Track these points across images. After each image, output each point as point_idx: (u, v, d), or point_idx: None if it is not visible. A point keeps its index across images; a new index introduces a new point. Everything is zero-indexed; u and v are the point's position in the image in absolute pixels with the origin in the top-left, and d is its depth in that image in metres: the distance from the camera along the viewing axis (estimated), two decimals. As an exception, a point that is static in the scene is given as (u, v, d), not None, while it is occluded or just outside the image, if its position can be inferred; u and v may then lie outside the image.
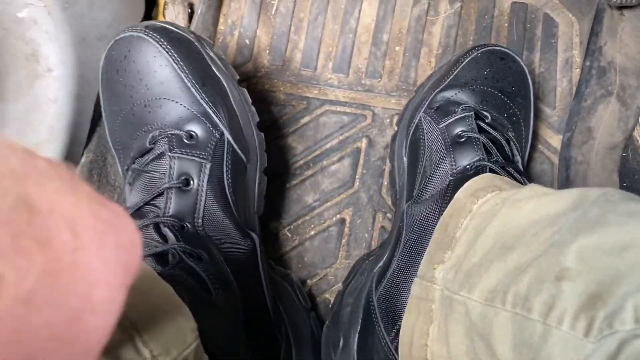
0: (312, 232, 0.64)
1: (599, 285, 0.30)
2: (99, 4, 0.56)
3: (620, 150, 0.63)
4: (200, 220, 0.47)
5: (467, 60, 0.58)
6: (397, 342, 0.48)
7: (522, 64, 0.60)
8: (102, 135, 0.59)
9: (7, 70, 0.53)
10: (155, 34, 0.49)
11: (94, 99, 0.59)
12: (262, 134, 0.58)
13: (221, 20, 0.72)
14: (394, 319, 0.49)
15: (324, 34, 0.72)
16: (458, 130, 0.54)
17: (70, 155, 0.56)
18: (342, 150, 0.67)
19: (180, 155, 0.48)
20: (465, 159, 0.52)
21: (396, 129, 0.63)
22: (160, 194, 0.47)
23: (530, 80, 0.60)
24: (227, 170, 0.50)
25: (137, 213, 0.47)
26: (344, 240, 0.64)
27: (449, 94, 0.57)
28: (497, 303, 0.35)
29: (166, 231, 0.45)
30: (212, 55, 0.53)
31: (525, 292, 0.33)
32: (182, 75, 0.49)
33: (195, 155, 0.48)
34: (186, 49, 0.50)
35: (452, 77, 0.58)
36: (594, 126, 0.63)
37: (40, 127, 0.54)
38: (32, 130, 0.54)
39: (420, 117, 0.57)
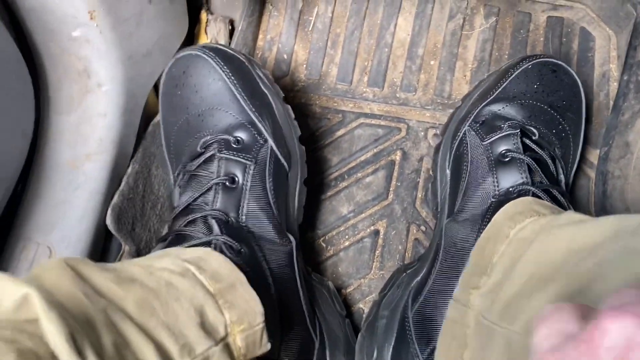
0: (347, 243, 0.66)
1: None
2: (146, 23, 0.59)
3: (659, 165, 0.62)
4: (244, 217, 0.51)
5: (517, 72, 0.57)
6: (426, 356, 0.49)
7: (575, 76, 0.58)
8: (147, 147, 0.62)
9: (61, 85, 0.57)
10: (210, 52, 0.55)
11: (139, 113, 0.62)
12: (304, 147, 0.61)
13: (260, 36, 0.75)
14: (428, 338, 0.49)
15: (359, 49, 0.73)
16: (503, 148, 0.53)
17: (117, 167, 0.58)
18: (376, 162, 0.68)
19: (227, 156, 0.52)
20: (509, 181, 0.51)
21: (431, 142, 0.64)
22: (208, 190, 0.51)
23: (583, 94, 0.59)
24: (269, 174, 0.54)
25: (186, 209, 0.51)
26: (377, 252, 0.65)
27: (496, 108, 0.56)
28: None
29: (212, 223, 0.49)
30: (260, 74, 0.58)
31: None
32: (233, 88, 0.55)
33: (241, 157, 0.53)
34: (237, 66, 0.56)
35: (500, 89, 0.57)
36: (631, 141, 0.63)
37: (90, 139, 0.57)
38: (83, 142, 0.57)
39: (465, 130, 0.56)
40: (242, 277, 0.43)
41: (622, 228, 0.36)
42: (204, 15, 0.73)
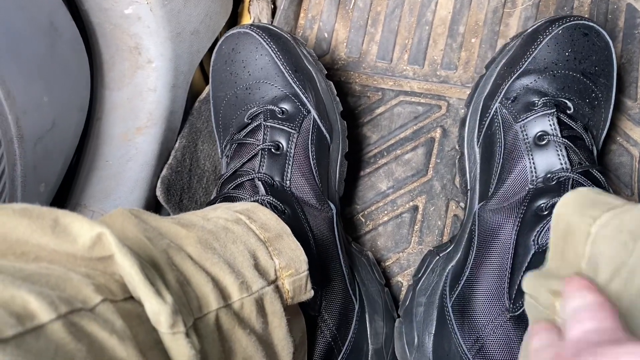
0: (386, 218, 0.67)
1: None
2: (193, 1, 0.61)
3: None
4: (288, 182, 0.54)
5: (547, 39, 0.54)
6: (475, 352, 0.48)
7: (607, 37, 0.55)
8: (194, 123, 0.64)
9: (114, 61, 0.59)
10: (258, 30, 0.58)
11: (187, 89, 0.64)
12: (345, 122, 0.63)
13: (302, 15, 0.76)
14: (470, 329, 0.49)
15: (400, 27, 0.74)
16: (538, 130, 0.51)
17: (166, 141, 0.61)
18: (416, 139, 0.69)
19: (273, 125, 0.55)
20: (546, 165, 0.50)
21: (465, 110, 0.62)
22: (254, 156, 0.54)
23: (614, 56, 0.56)
24: (311, 143, 0.56)
25: (234, 175, 0.54)
26: (416, 227, 0.66)
27: (527, 81, 0.54)
28: None
29: (259, 185, 0.52)
30: (304, 51, 0.60)
31: None
32: (279, 62, 0.57)
33: (286, 125, 0.55)
34: (283, 43, 0.58)
35: (530, 59, 0.54)
36: (678, 119, 0.62)
37: (140, 113, 0.59)
38: (134, 117, 0.59)
39: (497, 108, 0.55)
40: (287, 229, 0.45)
41: None
42: (247, -6, 0.74)
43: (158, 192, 0.58)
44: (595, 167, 0.50)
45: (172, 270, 0.34)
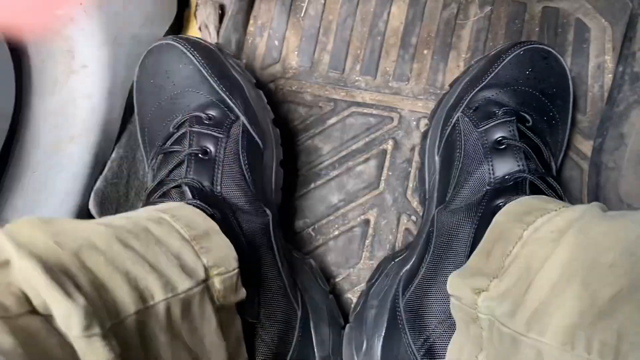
0: (336, 232, 0.65)
1: None
2: (133, 4, 0.58)
3: (652, 157, 0.61)
4: (218, 187, 0.51)
5: (508, 58, 0.56)
6: (424, 352, 0.47)
7: (565, 64, 0.58)
8: (132, 131, 0.60)
9: (45, 66, 0.55)
10: (181, 40, 0.56)
11: (125, 95, 0.60)
12: (278, 129, 0.61)
13: (251, 22, 0.73)
14: (421, 329, 0.48)
15: (352, 37, 0.72)
16: (498, 135, 0.52)
17: (101, 151, 0.57)
18: (368, 151, 0.67)
19: (199, 130, 0.52)
20: (504, 168, 0.50)
21: (428, 124, 0.62)
22: (181, 163, 0.51)
23: (571, 82, 0.59)
24: (242, 148, 0.54)
25: (159, 185, 0.50)
26: (367, 241, 0.64)
27: (489, 94, 0.55)
28: (580, 351, 0.31)
29: (185, 190, 0.49)
30: (231, 62, 0.59)
31: (616, 343, 0.30)
32: (203, 70, 0.55)
33: (213, 130, 0.53)
34: (208, 52, 0.57)
35: (492, 75, 0.56)
36: (626, 132, 0.62)
37: (74, 121, 0.55)
38: (66, 125, 0.55)
39: (458, 117, 0.55)
40: (215, 227, 0.43)
41: None
42: (193, -1, 0.71)
43: (91, 205, 0.54)
44: (551, 175, 0.50)
45: (85, 274, 0.31)
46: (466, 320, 0.42)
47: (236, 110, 0.55)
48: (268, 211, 0.53)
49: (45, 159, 0.54)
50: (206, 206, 0.47)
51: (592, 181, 0.62)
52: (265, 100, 0.61)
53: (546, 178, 0.50)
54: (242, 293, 0.43)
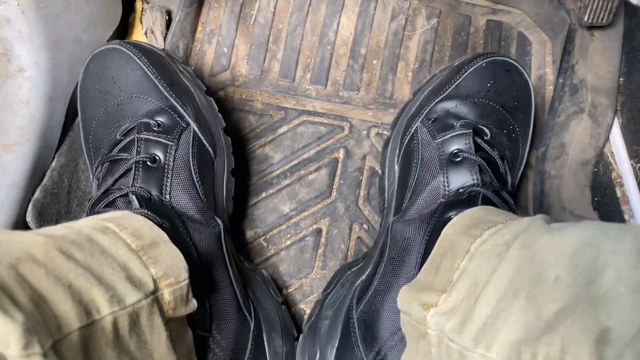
0: (288, 242, 0.64)
1: None
2: (75, 6, 0.55)
3: (592, 166, 0.64)
4: (167, 196, 0.49)
5: (471, 70, 0.56)
6: None
7: (527, 77, 0.58)
8: (74, 139, 0.57)
9: (-23, 69, 0.52)
10: (128, 45, 0.53)
11: (66, 102, 0.57)
12: (229, 137, 0.60)
13: (199, 28, 0.72)
14: (373, 341, 0.48)
15: (302, 46, 0.72)
16: (454, 148, 0.51)
17: (40, 159, 0.54)
18: (319, 160, 0.67)
19: (147, 137, 0.50)
20: (459, 181, 0.50)
21: (374, 141, 0.63)
22: (128, 171, 0.48)
23: (532, 95, 0.58)
24: (193, 156, 0.51)
25: (105, 194, 0.48)
26: (320, 251, 0.64)
27: (449, 105, 0.55)
28: None
29: (132, 199, 0.46)
30: (180, 68, 0.57)
31: (560, 356, 0.30)
32: (152, 76, 0.53)
33: (162, 137, 0.50)
34: (156, 58, 0.54)
35: (453, 86, 0.56)
36: (567, 142, 0.65)
37: (10, 128, 0.52)
38: (3, 132, 0.52)
39: (417, 127, 0.55)
40: (164, 236, 0.42)
41: (601, 236, 0.33)
42: (139, 3, 0.69)
43: (29, 217, 0.51)
44: (506, 189, 0.51)
45: (24, 288, 0.29)
46: (416, 336, 0.41)
47: (186, 117, 0.53)
48: (219, 221, 0.51)
49: (-22, 168, 0.50)
50: (154, 216, 0.45)
51: (537, 189, 0.64)
52: (216, 108, 0.59)
53: (500, 192, 0.50)
54: (193, 304, 0.41)
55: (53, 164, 0.55)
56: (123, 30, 0.69)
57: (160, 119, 0.52)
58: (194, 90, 0.56)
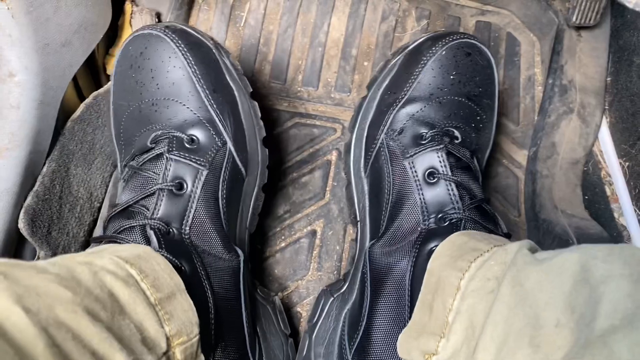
0: (283, 244, 0.64)
1: None
2: (65, 9, 0.54)
3: (582, 165, 0.65)
4: (187, 228, 0.46)
5: (430, 61, 0.52)
6: None
7: (488, 54, 0.54)
8: (65, 144, 0.57)
9: (-35, 74, 0.51)
10: (174, 35, 0.48)
11: (57, 106, 0.56)
12: (267, 149, 0.56)
13: (190, 30, 0.71)
14: None
15: (293, 47, 0.72)
16: (427, 166, 0.49)
17: (31, 165, 0.53)
18: (312, 162, 0.67)
19: (177, 158, 0.47)
20: (438, 205, 0.47)
21: (349, 135, 0.59)
22: (151, 194, 0.46)
23: (496, 73, 0.55)
24: (224, 181, 0.49)
25: (126, 211, 0.46)
26: (315, 252, 0.64)
27: (413, 110, 0.51)
28: None
29: (151, 234, 0.44)
30: (228, 64, 0.52)
31: None
32: (195, 79, 0.49)
33: (194, 160, 0.47)
34: (203, 54, 0.50)
35: (414, 85, 0.52)
36: (557, 141, 0.66)
37: (1, 133, 0.51)
38: (-9, 137, 0.51)
39: (383, 139, 0.52)
40: (181, 285, 0.40)
41: (586, 269, 0.32)
42: (128, 6, 0.69)
43: (21, 224, 0.50)
44: (484, 202, 0.49)
45: (54, 354, 0.28)
46: None
47: (224, 134, 0.49)
48: (240, 252, 0.49)
49: (-32, 174, 0.50)
50: (173, 258, 0.43)
51: (529, 189, 0.65)
52: (259, 114, 0.55)
53: (482, 206, 0.48)
54: (200, 357, 0.40)
55: (44, 169, 0.54)
56: (113, 33, 0.68)
57: (196, 133, 0.48)
58: (238, 94, 0.52)
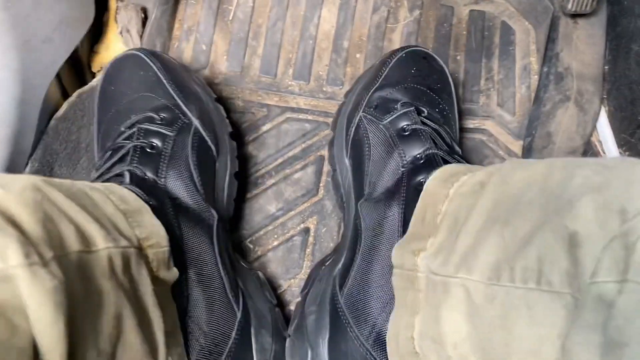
0: (276, 243, 0.62)
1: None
2: (45, 5, 0.53)
3: (579, 154, 0.64)
4: (163, 180, 0.49)
5: (394, 61, 0.59)
6: (373, 340, 0.46)
7: (441, 62, 0.62)
8: (49, 144, 0.55)
9: (-58, 73, 0.49)
10: (147, 52, 0.56)
11: (38, 106, 0.55)
12: (235, 142, 0.60)
13: (177, 25, 0.70)
14: (366, 316, 0.47)
15: (283, 40, 0.70)
16: (402, 124, 0.54)
17: (12, 165, 0.52)
18: (305, 158, 0.65)
19: (148, 127, 0.52)
20: (414, 151, 0.52)
21: (332, 133, 0.63)
22: (125, 155, 0.49)
23: (450, 78, 0.62)
24: (192, 147, 0.53)
25: (100, 176, 0.49)
26: (308, 250, 0.62)
27: (384, 93, 0.58)
28: (504, 281, 0.33)
29: (125, 175, 0.47)
30: (194, 77, 0.60)
31: (538, 267, 0.31)
32: (164, 80, 0.55)
33: (162, 128, 0.52)
34: (171, 65, 0.58)
35: (383, 76, 0.59)
36: (553, 131, 0.64)
37: (-21, 134, 0.50)
38: (-30, 138, 0.50)
39: (360, 116, 0.57)
40: (147, 207, 0.43)
41: (570, 161, 0.35)
42: (113, 2, 0.67)
43: (3, 227, 0.49)
44: (456, 154, 0.53)
45: (26, 208, 0.31)
46: (405, 288, 0.43)
47: (189, 115, 0.55)
48: (214, 212, 0.51)
49: (-53, 177, 0.48)
50: (141, 192, 0.46)
51: (525, 179, 0.64)
52: (225, 114, 0.60)
53: (453, 155, 0.52)
54: (175, 272, 0.43)
55: (27, 169, 0.53)
56: (97, 30, 0.66)
57: (164, 114, 0.53)
58: (203, 96, 0.58)
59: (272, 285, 0.60)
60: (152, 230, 0.41)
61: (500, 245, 0.35)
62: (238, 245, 0.61)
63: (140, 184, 0.47)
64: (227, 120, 0.60)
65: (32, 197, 0.32)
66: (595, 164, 0.33)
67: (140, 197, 0.45)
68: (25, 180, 0.33)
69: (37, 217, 0.31)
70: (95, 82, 0.59)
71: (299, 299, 0.58)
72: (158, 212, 0.45)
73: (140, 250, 0.39)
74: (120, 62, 0.57)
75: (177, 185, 0.50)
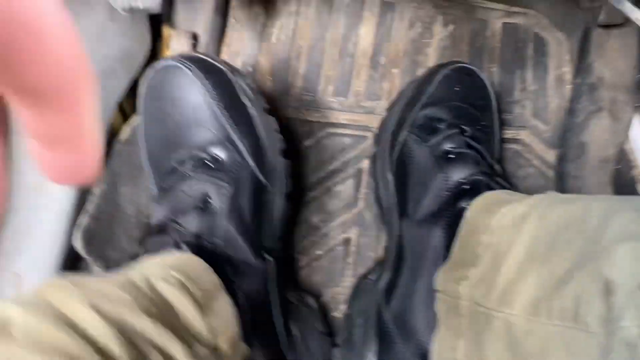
0: (319, 252, 0.66)
1: None
2: (107, 40, 0.59)
3: (612, 163, 0.65)
4: (217, 240, 0.50)
5: (438, 78, 0.61)
6: (420, 357, 0.49)
7: (484, 78, 0.63)
8: (113, 167, 0.61)
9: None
10: (189, 63, 0.53)
11: (103, 132, 0.61)
12: (288, 160, 0.60)
13: (224, 49, 0.75)
14: (413, 333, 0.50)
15: (323, 59, 0.74)
16: (447, 146, 0.56)
17: (83, 187, 0.58)
18: (345, 171, 0.69)
19: (202, 177, 0.51)
20: (458, 175, 0.53)
21: (375, 147, 0.65)
22: (182, 213, 0.50)
23: (492, 94, 0.63)
24: (247, 195, 0.53)
25: (159, 231, 0.50)
26: (350, 259, 0.66)
27: (429, 112, 0.59)
28: (543, 318, 0.36)
29: (184, 249, 0.48)
30: (242, 84, 0.57)
31: (574, 306, 0.34)
32: (212, 101, 0.53)
33: (217, 178, 0.51)
34: (218, 77, 0.54)
35: (427, 95, 0.60)
36: (586, 141, 0.66)
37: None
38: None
39: (406, 135, 0.59)
40: (218, 283, 0.44)
41: (608, 202, 0.38)
42: (166, 30, 0.72)
43: (78, 244, 0.55)
44: (498, 173, 0.55)
45: (128, 352, 0.31)
46: (448, 311, 0.46)
47: (244, 151, 0.53)
48: (268, 257, 0.52)
49: (28, 200, 0.54)
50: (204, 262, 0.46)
51: (558, 189, 0.66)
52: (277, 128, 0.59)
53: (495, 178, 0.54)
54: (243, 348, 0.44)
55: (95, 190, 0.58)
56: (153, 58, 0.72)
57: (217, 152, 0.53)
58: (253, 111, 0.56)
59: (317, 295, 0.64)
60: (225, 316, 0.42)
61: (539, 283, 0.38)
62: (283, 257, 0.66)
63: (199, 253, 0.47)
64: (280, 136, 0.60)
65: (125, 334, 0.32)
66: (632, 211, 0.36)
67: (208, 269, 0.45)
68: (117, 313, 0.33)
69: (128, 354, 0.31)
70: (140, 117, 0.58)
71: (345, 307, 0.62)
72: (221, 282, 0.45)
73: (216, 346, 0.40)
74: (163, 76, 0.54)
75: (231, 243, 0.50)
